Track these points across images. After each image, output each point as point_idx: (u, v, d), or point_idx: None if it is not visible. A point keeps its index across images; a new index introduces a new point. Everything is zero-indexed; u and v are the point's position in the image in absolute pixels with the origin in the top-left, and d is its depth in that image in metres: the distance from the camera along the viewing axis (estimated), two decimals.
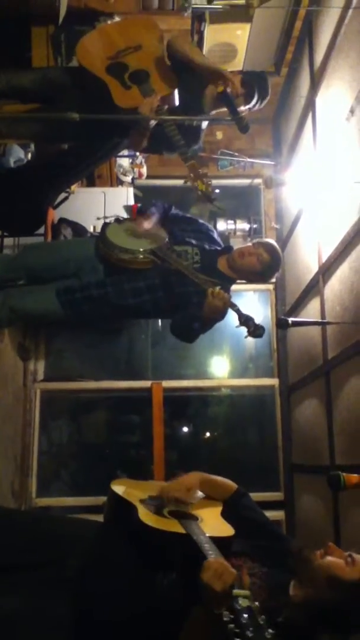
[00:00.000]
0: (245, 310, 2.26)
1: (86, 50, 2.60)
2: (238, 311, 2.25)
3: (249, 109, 2.64)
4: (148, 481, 1.80)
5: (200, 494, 1.67)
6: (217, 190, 2.22)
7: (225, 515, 1.59)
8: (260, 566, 1.41)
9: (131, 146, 2.90)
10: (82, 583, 1.40)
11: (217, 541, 1.35)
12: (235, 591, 1.14)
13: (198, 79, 2.59)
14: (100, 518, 1.66)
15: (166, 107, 2.45)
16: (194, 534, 1.37)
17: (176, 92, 2.54)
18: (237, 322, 2.23)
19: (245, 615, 1.07)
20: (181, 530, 1.41)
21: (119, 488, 1.59)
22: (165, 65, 2.58)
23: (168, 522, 1.46)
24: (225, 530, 1.48)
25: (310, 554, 1.39)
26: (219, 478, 1.72)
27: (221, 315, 2.36)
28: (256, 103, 2.63)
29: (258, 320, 2.24)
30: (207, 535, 1.38)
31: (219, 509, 1.62)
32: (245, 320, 2.22)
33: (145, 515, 1.44)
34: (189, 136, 2.72)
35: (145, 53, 2.57)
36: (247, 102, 2.61)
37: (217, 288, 2.27)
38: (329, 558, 1.36)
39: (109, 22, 3.65)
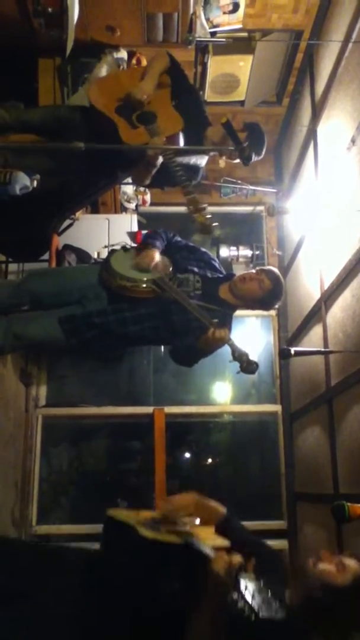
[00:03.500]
0: (244, 341, 2.27)
1: (98, 92, 2.72)
2: (232, 345, 2.26)
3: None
4: (142, 511, 1.82)
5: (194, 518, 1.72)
6: (215, 223, 2.29)
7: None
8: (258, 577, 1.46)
9: (135, 181, 2.96)
10: (86, 598, 1.45)
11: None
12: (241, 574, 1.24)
13: (199, 122, 2.70)
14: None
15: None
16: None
17: (181, 133, 2.64)
18: (230, 357, 2.25)
19: (251, 590, 1.18)
20: (180, 541, 1.45)
21: (115, 514, 1.63)
22: (171, 107, 2.68)
23: (166, 536, 1.50)
24: (221, 542, 1.51)
25: (303, 564, 1.46)
26: (212, 501, 1.78)
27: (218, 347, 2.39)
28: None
29: (260, 345, 2.26)
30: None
31: (212, 529, 1.66)
32: (238, 355, 2.23)
33: (145, 532, 1.49)
34: (190, 173, 2.80)
35: (152, 97, 2.66)
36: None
37: (219, 330, 2.28)
38: (321, 566, 1.43)
39: (114, 54, 3.75)
